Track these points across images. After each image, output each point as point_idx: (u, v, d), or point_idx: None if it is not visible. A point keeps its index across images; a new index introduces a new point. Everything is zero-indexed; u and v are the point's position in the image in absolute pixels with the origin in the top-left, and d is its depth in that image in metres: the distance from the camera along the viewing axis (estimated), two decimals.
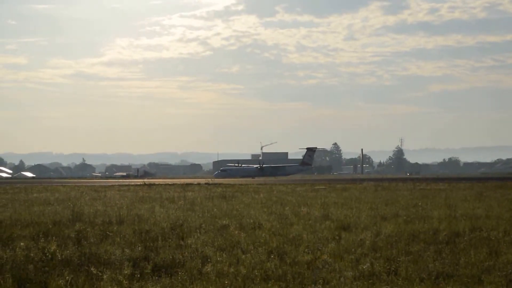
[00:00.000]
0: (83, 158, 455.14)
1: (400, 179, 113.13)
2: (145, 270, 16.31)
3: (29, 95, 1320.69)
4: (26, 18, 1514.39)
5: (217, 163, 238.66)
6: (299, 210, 31.92)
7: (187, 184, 77.38)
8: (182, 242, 20.40)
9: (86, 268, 16.48)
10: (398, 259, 17.25)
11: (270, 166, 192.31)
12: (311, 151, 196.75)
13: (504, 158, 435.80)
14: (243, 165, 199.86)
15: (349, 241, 20.43)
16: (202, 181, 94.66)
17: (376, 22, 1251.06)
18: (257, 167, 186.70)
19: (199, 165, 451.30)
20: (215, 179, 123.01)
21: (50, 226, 24.83)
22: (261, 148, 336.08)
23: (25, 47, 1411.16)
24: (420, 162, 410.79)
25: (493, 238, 21.17)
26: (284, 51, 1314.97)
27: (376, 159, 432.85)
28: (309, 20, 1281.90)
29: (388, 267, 16.18)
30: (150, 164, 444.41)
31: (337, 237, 21.47)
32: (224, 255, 18.06)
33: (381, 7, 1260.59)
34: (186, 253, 18.31)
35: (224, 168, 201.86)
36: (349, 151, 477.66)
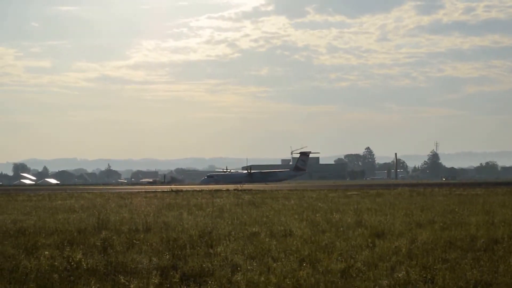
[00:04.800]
0: (108, 164, 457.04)
1: (436, 184, 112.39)
2: (173, 279, 16.08)
3: (53, 99, 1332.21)
4: (50, 21, 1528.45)
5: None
6: (331, 217, 31.47)
7: (216, 191, 77.11)
8: (211, 250, 20.11)
9: (113, 277, 16.34)
10: (435, 267, 16.88)
11: (260, 172, 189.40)
12: (304, 155, 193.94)
13: None
14: (231, 171, 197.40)
15: (383, 249, 20.05)
16: (231, 187, 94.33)
17: (410, 22, 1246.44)
18: (246, 173, 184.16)
19: None
20: (203, 184, 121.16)
21: (75, 234, 24.67)
22: (291, 153, 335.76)
23: (49, 50, 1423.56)
24: (456, 166, 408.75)
25: None
26: (315, 53, 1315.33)
27: (410, 164, 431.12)
28: (340, 20, 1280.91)
29: (424, 276, 15.86)
30: (177, 170, 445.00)
31: (371, 245, 21.12)
32: (254, 264, 17.79)
33: (415, 7, 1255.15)
34: (215, 261, 18.05)
35: (211, 174, 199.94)
36: (383, 155, 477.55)
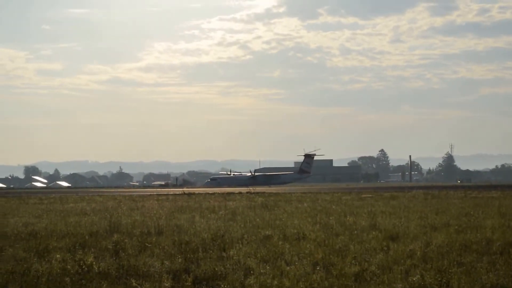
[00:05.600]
0: (120, 167, 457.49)
1: (451, 186, 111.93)
2: (186, 282, 16.03)
3: (64, 101, 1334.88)
4: (61, 23, 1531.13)
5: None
6: (345, 220, 31.29)
7: (228, 193, 76.87)
8: (223, 254, 19.99)
9: (125, 280, 16.29)
10: (450, 270, 16.73)
11: (263, 175, 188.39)
12: (309, 158, 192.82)
13: None
14: (234, 173, 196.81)
15: (398, 252, 19.89)
16: (244, 190, 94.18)
17: (424, 23, 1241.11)
18: (249, 176, 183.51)
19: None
20: (207, 187, 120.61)
21: (87, 237, 24.58)
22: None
23: (60, 52, 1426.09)
24: (471, 169, 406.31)
25: None
26: (327, 55, 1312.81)
27: (425, 166, 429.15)
28: (353, 22, 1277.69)
29: (439, 279, 15.70)
30: (189, 173, 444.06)
31: (385, 248, 20.96)
32: (268, 267, 17.66)
33: (429, 8, 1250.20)
34: (228, 265, 17.95)
35: (214, 177, 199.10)
36: (397, 158, 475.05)
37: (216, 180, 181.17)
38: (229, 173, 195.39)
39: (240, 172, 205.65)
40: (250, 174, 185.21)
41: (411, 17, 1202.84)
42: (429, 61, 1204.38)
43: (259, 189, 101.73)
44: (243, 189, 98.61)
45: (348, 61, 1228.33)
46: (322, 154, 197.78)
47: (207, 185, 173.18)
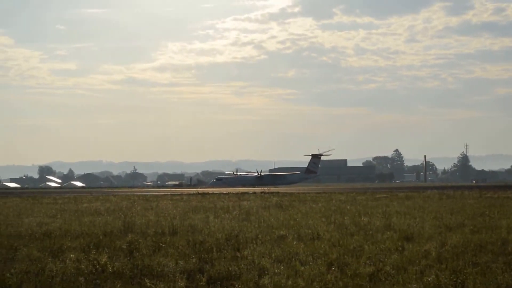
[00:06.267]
0: (134, 167, 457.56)
1: (466, 187, 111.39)
2: (200, 282, 16.02)
3: (78, 101, 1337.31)
4: (76, 23, 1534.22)
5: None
6: (360, 220, 31.19)
7: (242, 193, 76.77)
8: (237, 254, 19.96)
9: (139, 280, 16.29)
10: (465, 271, 16.64)
11: (270, 175, 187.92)
12: (316, 158, 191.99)
13: None
14: (240, 174, 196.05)
15: (412, 252, 19.81)
16: (258, 190, 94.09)
17: (439, 23, 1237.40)
18: (255, 176, 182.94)
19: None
20: (211, 187, 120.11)
21: (101, 237, 24.61)
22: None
23: (75, 52, 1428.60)
24: (486, 169, 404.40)
25: None
26: (342, 55, 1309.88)
27: (440, 166, 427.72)
28: (368, 22, 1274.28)
29: (454, 280, 15.64)
30: (203, 173, 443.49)
31: (400, 248, 20.89)
32: (282, 267, 17.62)
33: (444, 8, 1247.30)
34: (242, 265, 17.91)
35: (219, 177, 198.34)
36: (411, 158, 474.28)
37: (222, 180, 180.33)
38: (235, 173, 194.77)
39: (247, 172, 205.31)
40: (256, 174, 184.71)
41: (426, 16, 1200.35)
42: (444, 61, 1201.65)
43: (273, 189, 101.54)
44: (258, 189, 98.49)
45: (363, 61, 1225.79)
46: (329, 154, 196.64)
47: (213, 185, 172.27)
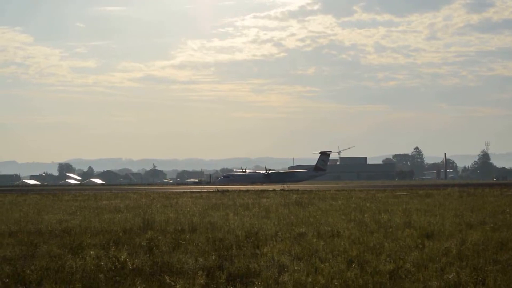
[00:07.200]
0: (153, 164, 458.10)
1: (487, 184, 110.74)
2: (220, 279, 15.99)
3: (98, 99, 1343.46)
4: (95, 21, 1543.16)
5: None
6: (380, 217, 31.10)
7: (262, 191, 76.66)
8: (257, 251, 19.95)
9: (159, 277, 16.27)
10: (486, 268, 16.60)
11: (278, 172, 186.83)
12: (325, 155, 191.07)
13: None
14: (248, 171, 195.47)
15: (433, 250, 19.74)
16: (277, 187, 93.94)
17: (459, 20, 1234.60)
18: (263, 174, 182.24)
19: None
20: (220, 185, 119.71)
21: (121, 234, 24.67)
22: (339, 153, 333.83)
23: (94, 50, 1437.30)
24: (507, 166, 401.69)
25: None
26: (362, 52, 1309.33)
27: (460, 164, 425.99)
28: (388, 19, 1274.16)
29: (475, 277, 15.60)
30: (222, 170, 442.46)
31: (420, 245, 20.81)
32: (302, 264, 17.61)
33: (465, 5, 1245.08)
34: (262, 262, 17.90)
35: (227, 174, 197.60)
36: (432, 155, 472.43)
37: (229, 178, 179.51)
38: (244, 170, 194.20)
39: (254, 171, 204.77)
40: (264, 172, 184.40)
41: (446, 14, 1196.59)
42: (464, 58, 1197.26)
43: (293, 186, 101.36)
44: (277, 186, 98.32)
45: (382, 59, 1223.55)
46: (335, 152, 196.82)
47: (220, 182, 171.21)
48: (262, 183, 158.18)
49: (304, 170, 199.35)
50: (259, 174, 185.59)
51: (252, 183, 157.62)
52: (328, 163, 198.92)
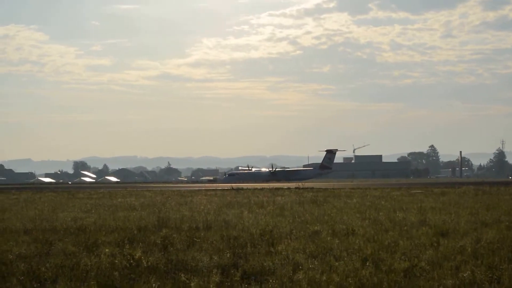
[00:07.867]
0: (168, 162, 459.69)
1: (502, 182, 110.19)
2: (234, 277, 15.99)
3: (113, 97, 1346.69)
4: (110, 19, 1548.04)
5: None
6: (395, 216, 31.01)
7: (277, 189, 76.54)
8: (272, 249, 19.92)
9: (173, 275, 16.28)
10: (501, 267, 16.55)
11: (284, 170, 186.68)
12: (331, 153, 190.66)
13: None
14: (253, 169, 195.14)
15: (448, 248, 19.65)
16: (292, 185, 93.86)
17: (475, 18, 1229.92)
18: (269, 171, 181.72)
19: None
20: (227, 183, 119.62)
21: (135, 232, 24.68)
22: (354, 151, 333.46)
23: (109, 48, 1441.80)
24: None
25: None
26: (378, 50, 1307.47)
27: (475, 162, 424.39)
28: (404, 17, 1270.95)
29: (490, 275, 15.55)
30: (237, 168, 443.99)
31: (435, 244, 20.73)
32: (316, 262, 17.57)
33: (481, 3, 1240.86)
34: (277, 260, 17.90)
35: (232, 172, 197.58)
36: (447, 153, 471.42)
37: (235, 176, 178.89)
38: (250, 168, 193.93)
39: (264, 169, 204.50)
40: (270, 169, 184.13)
41: (462, 11, 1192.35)
42: (480, 56, 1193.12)
43: (307, 184, 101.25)
44: (292, 184, 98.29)
45: (398, 56, 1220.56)
46: (343, 150, 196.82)
47: (225, 180, 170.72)
48: (267, 181, 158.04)
49: (310, 168, 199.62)
50: (265, 172, 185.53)
51: (257, 181, 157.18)
52: (343, 161, 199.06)
